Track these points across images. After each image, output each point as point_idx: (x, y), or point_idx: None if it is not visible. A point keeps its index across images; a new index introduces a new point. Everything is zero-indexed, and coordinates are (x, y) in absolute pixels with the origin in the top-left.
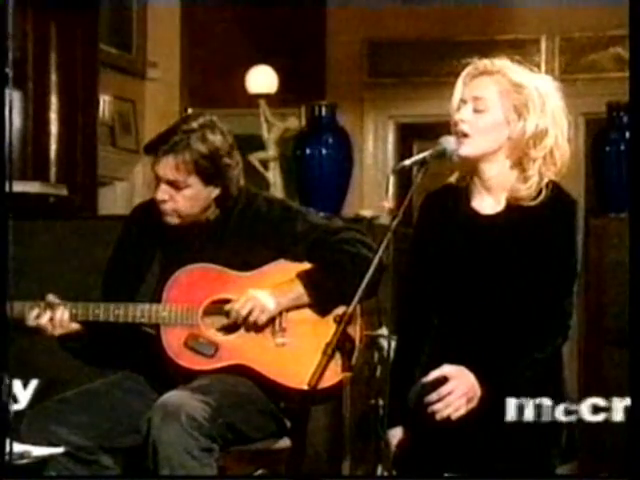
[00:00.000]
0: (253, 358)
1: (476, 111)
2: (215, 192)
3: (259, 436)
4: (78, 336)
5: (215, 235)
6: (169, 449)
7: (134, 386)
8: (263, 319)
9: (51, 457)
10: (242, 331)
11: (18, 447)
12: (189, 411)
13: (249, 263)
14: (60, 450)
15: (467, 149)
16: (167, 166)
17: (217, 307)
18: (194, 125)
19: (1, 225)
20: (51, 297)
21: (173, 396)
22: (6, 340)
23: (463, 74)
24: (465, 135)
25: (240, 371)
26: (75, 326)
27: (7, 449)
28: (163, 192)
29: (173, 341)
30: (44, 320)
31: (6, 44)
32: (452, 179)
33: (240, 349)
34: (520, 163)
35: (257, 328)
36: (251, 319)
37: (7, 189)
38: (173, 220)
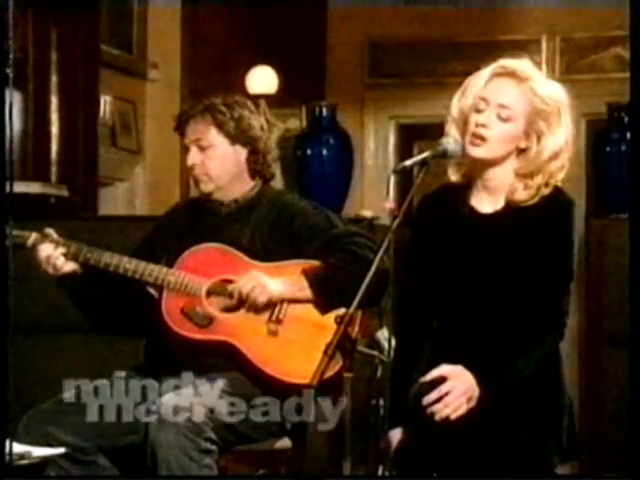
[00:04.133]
0: (243, 340)
1: (499, 118)
2: (243, 154)
3: (259, 436)
4: (75, 276)
5: (241, 221)
6: (167, 451)
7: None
8: (263, 299)
9: (49, 458)
10: (240, 313)
11: (18, 448)
12: (187, 413)
13: (270, 251)
14: (60, 451)
15: (481, 152)
16: (190, 128)
17: (223, 287)
18: (218, 99)
19: (1, 225)
20: (50, 231)
21: (171, 399)
22: (6, 340)
23: (489, 70)
24: (483, 139)
25: (226, 351)
26: (71, 267)
27: (7, 449)
28: (191, 157)
29: (171, 305)
30: (42, 254)
31: (6, 44)
32: (453, 177)
33: (232, 328)
34: (529, 173)
35: (255, 308)
36: (252, 297)
37: (7, 190)
38: (206, 187)
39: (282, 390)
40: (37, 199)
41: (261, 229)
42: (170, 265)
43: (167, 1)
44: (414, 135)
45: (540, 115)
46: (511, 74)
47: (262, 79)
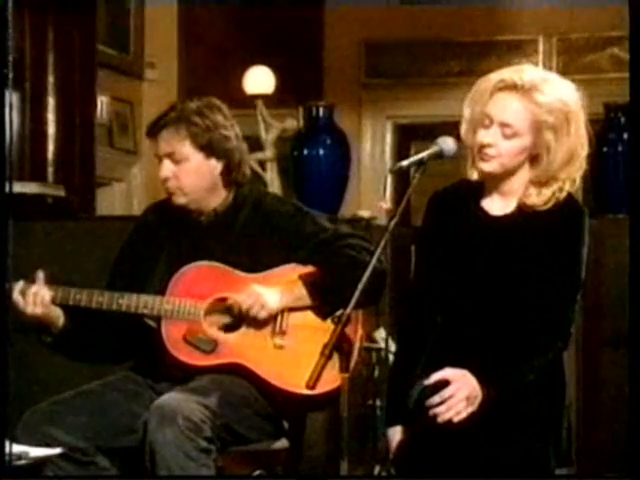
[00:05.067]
0: (250, 358)
1: (504, 136)
2: (218, 167)
3: (256, 437)
4: (59, 329)
5: (224, 231)
6: (166, 451)
7: (131, 387)
8: (263, 315)
9: (47, 458)
10: (242, 330)
11: (16, 448)
12: (186, 413)
13: (257, 260)
14: (58, 451)
15: (491, 167)
16: (163, 139)
17: (220, 305)
18: (192, 105)
19: (1, 225)
20: (40, 275)
21: (169, 399)
22: (6, 341)
23: (491, 84)
24: (491, 157)
25: (237, 370)
26: (58, 312)
27: (7, 450)
28: (165, 170)
29: (173, 335)
30: (28, 295)
31: (6, 45)
32: (474, 176)
33: (238, 348)
34: (545, 181)
35: (257, 324)
36: (251, 314)
37: (7, 190)
38: (179, 200)
39: (298, 401)
40: (34, 199)
41: (245, 239)
42: (162, 288)
43: (164, 1)
44: (411, 135)
45: (546, 125)
46: (512, 87)
47: (259, 79)
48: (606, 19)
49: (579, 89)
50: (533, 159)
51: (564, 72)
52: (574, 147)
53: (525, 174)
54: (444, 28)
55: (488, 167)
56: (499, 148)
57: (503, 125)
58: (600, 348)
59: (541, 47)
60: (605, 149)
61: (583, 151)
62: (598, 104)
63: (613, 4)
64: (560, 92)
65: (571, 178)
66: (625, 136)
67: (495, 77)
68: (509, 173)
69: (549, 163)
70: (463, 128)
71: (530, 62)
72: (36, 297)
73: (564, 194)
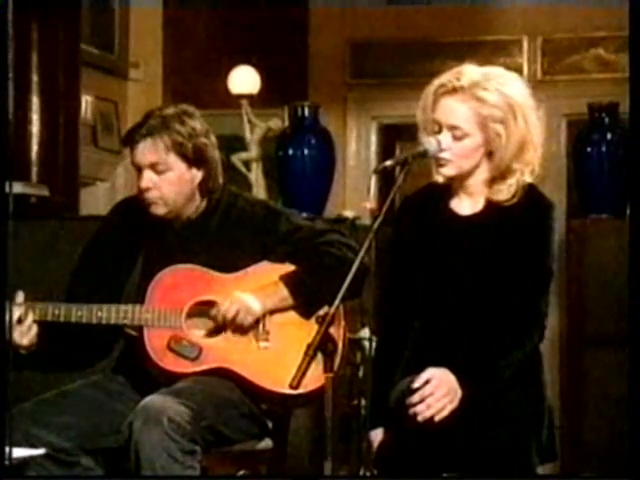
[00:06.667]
0: (236, 361)
1: (455, 138)
2: (198, 176)
3: (241, 438)
4: (31, 350)
5: (198, 235)
6: (151, 453)
7: (115, 387)
8: (249, 321)
9: (32, 459)
10: (226, 334)
11: None
12: (171, 415)
13: (232, 263)
14: (41, 451)
15: (449, 171)
16: (146, 149)
17: (201, 309)
18: (170, 111)
19: (1, 226)
20: (19, 293)
21: (154, 400)
22: (6, 341)
23: (430, 91)
24: (447, 161)
25: (223, 374)
26: (34, 332)
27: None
28: (146, 180)
29: (156, 343)
30: (13, 318)
31: (6, 45)
32: (440, 178)
33: (223, 352)
34: (502, 174)
35: (242, 331)
36: (237, 321)
37: (7, 190)
38: (159, 210)
39: (283, 400)
40: (18, 199)
41: (219, 242)
42: (139, 295)
43: (149, 1)
44: (396, 135)
45: (493, 120)
46: (452, 90)
47: (244, 79)
48: (591, 20)
49: (562, 90)
50: (489, 155)
51: (549, 72)
52: (524, 136)
53: (484, 171)
54: (429, 28)
55: (447, 171)
56: (452, 151)
57: (452, 128)
58: (583, 347)
59: (526, 47)
60: (589, 149)
61: (537, 138)
62: (582, 104)
63: (597, 5)
64: (502, 86)
65: (529, 167)
66: (609, 136)
67: (436, 83)
68: (469, 172)
69: (502, 156)
70: (420, 134)
71: (514, 62)
72: (22, 327)
73: (523, 183)
